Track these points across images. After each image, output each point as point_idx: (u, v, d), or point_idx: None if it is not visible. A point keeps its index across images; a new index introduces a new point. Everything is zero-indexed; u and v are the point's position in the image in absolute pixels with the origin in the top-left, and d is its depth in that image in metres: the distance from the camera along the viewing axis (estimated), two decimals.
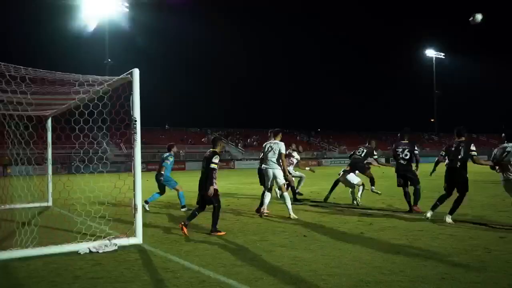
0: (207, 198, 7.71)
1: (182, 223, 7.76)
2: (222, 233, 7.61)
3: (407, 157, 9.89)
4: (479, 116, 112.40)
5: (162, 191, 11.53)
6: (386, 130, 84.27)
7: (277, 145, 9.58)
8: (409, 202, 9.91)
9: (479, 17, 9.94)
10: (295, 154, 13.69)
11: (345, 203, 11.94)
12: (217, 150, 7.95)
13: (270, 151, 9.60)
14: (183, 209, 11.08)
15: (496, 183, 17.86)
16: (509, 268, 5.03)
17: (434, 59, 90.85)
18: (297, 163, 13.74)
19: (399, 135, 10.44)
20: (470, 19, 10.22)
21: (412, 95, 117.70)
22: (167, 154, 11.53)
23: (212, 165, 7.64)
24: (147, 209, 10.96)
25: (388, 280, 4.66)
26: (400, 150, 9.94)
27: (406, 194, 9.97)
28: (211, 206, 7.77)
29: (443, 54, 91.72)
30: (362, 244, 6.57)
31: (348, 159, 13.41)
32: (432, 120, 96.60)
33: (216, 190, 7.71)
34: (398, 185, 10.09)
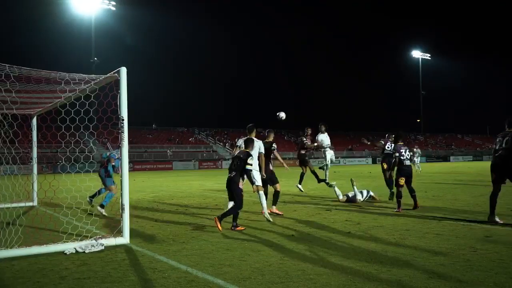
0: (235, 196, 8.11)
1: (232, 227, 8.02)
2: (220, 228, 7.81)
3: (409, 157, 10.30)
4: (464, 116, 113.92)
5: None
6: (373, 130, 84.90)
7: (256, 143, 9.23)
8: (399, 202, 10.05)
9: (282, 116, 10.83)
10: (322, 136, 13.50)
11: (334, 203, 12.00)
12: (249, 150, 8.49)
13: None
14: (101, 209, 10.15)
15: (483, 184, 18.11)
16: (494, 267, 5.08)
17: (420, 60, 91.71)
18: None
19: (393, 137, 10.75)
20: (277, 114, 10.99)
21: (398, 96, 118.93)
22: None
23: (248, 166, 8.13)
24: (104, 214, 10.13)
25: (376, 279, 4.68)
26: (403, 151, 10.22)
27: (399, 194, 10.12)
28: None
29: (429, 55, 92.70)
30: (350, 243, 6.60)
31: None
32: (418, 120, 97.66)
33: (241, 190, 8.14)
34: (400, 185, 10.15)
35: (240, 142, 9.51)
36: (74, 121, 7.51)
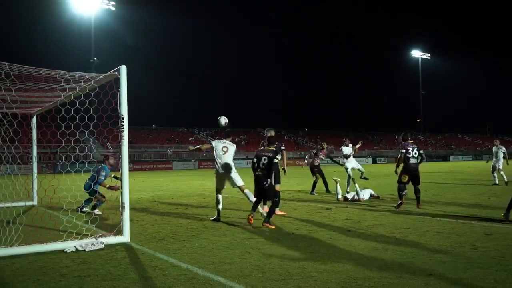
0: (268, 193, 8.32)
1: (251, 215, 8.26)
2: (272, 227, 7.94)
3: (416, 155, 10.38)
4: (464, 116, 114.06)
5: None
6: (373, 130, 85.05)
7: (233, 147, 9.28)
8: (400, 195, 10.17)
9: (222, 121, 10.06)
10: (344, 148, 14.75)
11: (334, 201, 11.99)
12: (275, 148, 8.72)
13: (226, 152, 9.13)
14: (95, 210, 10.20)
15: (482, 183, 18.09)
16: (495, 265, 5.08)
17: (420, 59, 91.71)
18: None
19: (402, 136, 10.87)
20: (219, 118, 10.19)
21: (398, 96, 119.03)
22: (101, 166, 10.44)
23: (275, 160, 8.37)
24: (99, 212, 10.17)
25: (377, 276, 4.68)
26: (411, 149, 10.34)
27: (400, 188, 10.22)
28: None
29: (428, 55, 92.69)
30: (350, 241, 6.59)
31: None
32: (418, 120, 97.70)
33: (270, 184, 8.28)
34: (404, 182, 10.25)
35: (215, 143, 9.32)
36: (74, 120, 7.50)
